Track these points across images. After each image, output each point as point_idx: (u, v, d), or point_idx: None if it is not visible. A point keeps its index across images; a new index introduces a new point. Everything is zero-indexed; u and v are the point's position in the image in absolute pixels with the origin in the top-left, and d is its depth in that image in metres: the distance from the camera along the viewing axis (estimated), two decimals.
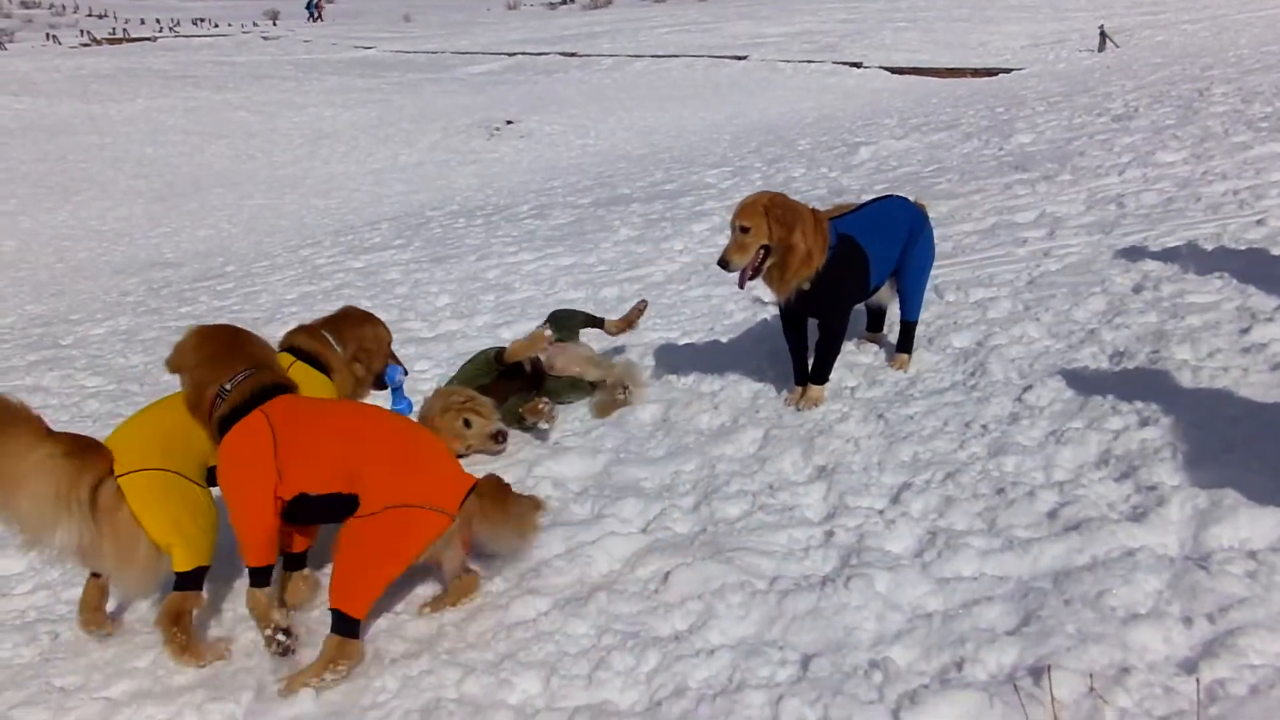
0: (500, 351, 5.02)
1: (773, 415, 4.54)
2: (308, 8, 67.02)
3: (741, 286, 4.48)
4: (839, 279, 4.42)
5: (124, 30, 58.99)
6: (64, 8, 79.57)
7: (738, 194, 10.26)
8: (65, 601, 3.90)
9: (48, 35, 54.93)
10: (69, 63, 37.99)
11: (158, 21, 63.03)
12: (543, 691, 2.94)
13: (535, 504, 3.31)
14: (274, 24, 63.18)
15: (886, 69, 26.12)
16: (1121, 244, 6.01)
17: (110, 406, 6.39)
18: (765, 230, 4.24)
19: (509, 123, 23.20)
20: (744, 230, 4.28)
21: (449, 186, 17.27)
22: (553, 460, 4.44)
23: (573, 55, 35.48)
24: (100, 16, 71.46)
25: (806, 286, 4.35)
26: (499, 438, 4.58)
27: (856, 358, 4.98)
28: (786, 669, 2.84)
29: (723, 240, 8.14)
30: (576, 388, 5.12)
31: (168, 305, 10.02)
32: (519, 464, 4.50)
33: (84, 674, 3.37)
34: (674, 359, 5.49)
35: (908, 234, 4.74)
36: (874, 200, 4.98)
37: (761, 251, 4.30)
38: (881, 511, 3.57)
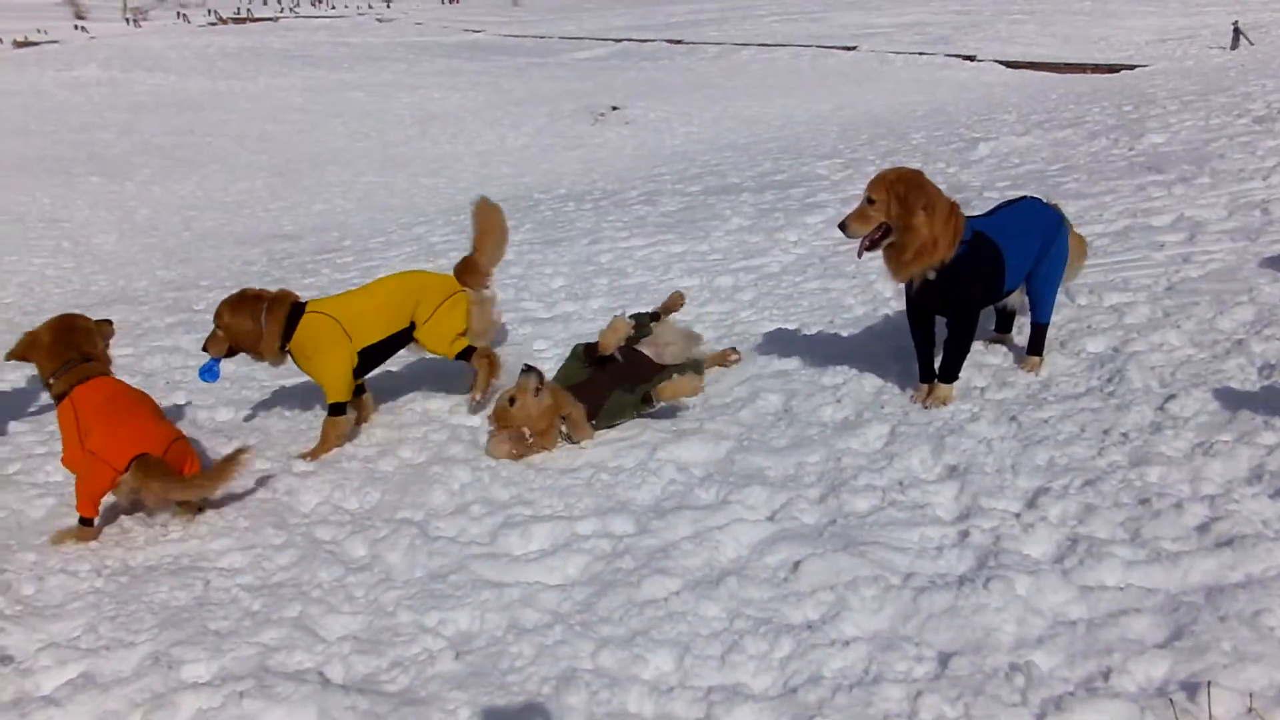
0: (589, 347, 5.11)
1: (898, 411, 4.49)
2: None
3: (860, 256, 4.45)
4: (970, 277, 4.32)
5: (248, 10, 61.34)
6: None
7: (851, 187, 10.13)
8: (215, 550, 4.13)
9: (178, 14, 57.53)
10: (198, 41, 39.69)
11: (279, 2, 65.38)
12: (676, 669, 2.99)
13: (198, 484, 4.20)
14: (388, 6, 64.73)
15: (1001, 63, 25.36)
16: (1269, 252, 5.74)
17: (244, 370, 6.67)
18: (887, 206, 4.17)
19: (614, 109, 23.31)
20: (870, 201, 4.24)
21: (554, 170, 17.46)
22: (675, 444, 4.49)
23: (678, 43, 35.42)
24: None
25: (931, 276, 4.27)
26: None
27: (985, 358, 4.89)
28: (924, 665, 2.83)
29: (837, 233, 8.07)
30: (693, 368, 5.21)
31: (291, 276, 10.40)
32: (641, 447, 4.56)
33: (236, 620, 3.57)
34: (792, 350, 5.48)
35: (1044, 236, 4.62)
36: (1012, 201, 4.88)
37: (882, 227, 4.23)
38: (1018, 515, 3.51)
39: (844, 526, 3.62)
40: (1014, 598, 3.02)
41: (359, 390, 5.21)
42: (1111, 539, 3.28)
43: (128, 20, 53.92)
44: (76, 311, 4.83)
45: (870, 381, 4.86)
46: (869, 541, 3.44)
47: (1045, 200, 4.88)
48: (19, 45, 41.55)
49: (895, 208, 4.14)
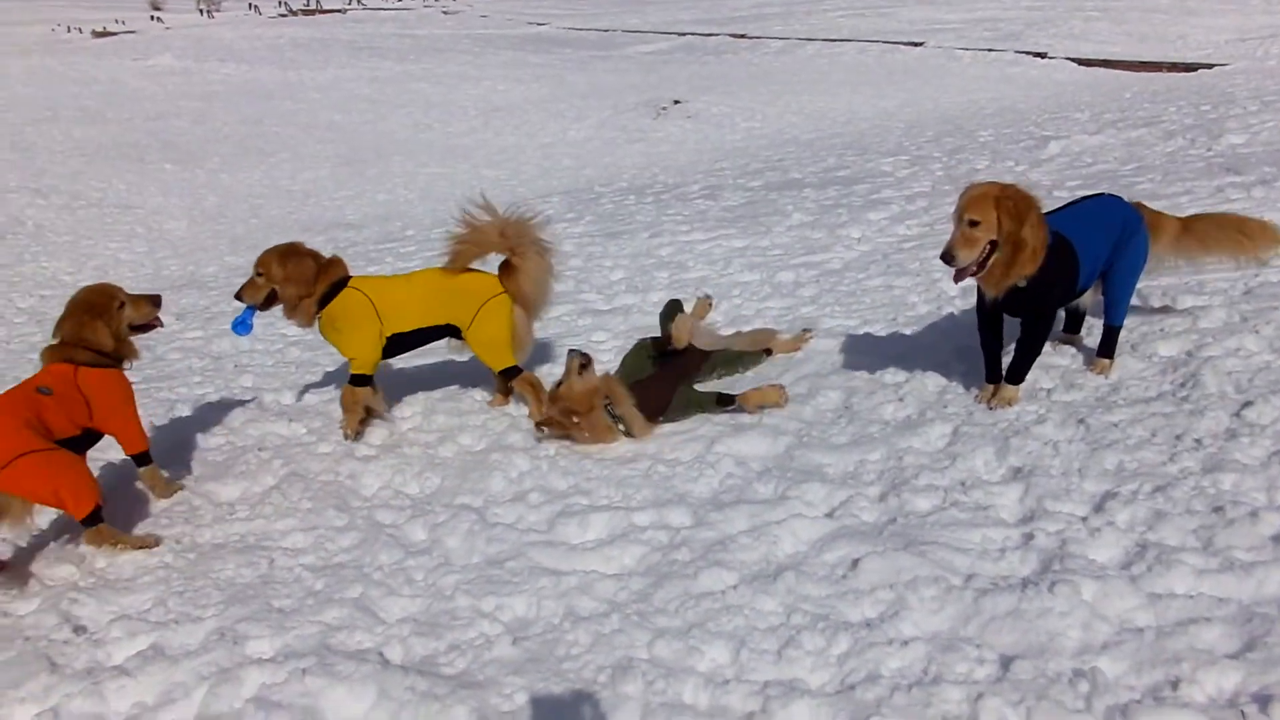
0: (657, 340, 5.09)
1: (962, 411, 4.42)
2: None
3: (957, 281, 4.24)
4: (1050, 279, 4.18)
5: (318, 2, 62.47)
6: None
7: (916, 184, 9.99)
8: (279, 530, 4.23)
9: (250, 5, 58.83)
10: (269, 32, 40.52)
11: None
12: (732, 662, 2.98)
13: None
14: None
15: (1073, 60, 24.74)
16: None
17: (309, 355, 6.83)
18: (995, 224, 4.01)
19: (676, 102, 23.26)
20: (973, 224, 4.04)
21: (616, 164, 17.50)
22: (733, 438, 4.48)
23: (742, 37, 35.22)
24: None
25: (1023, 284, 4.14)
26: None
27: (1053, 359, 4.78)
28: (985, 668, 2.78)
29: (903, 230, 8.02)
30: (741, 359, 5.34)
31: (355, 264, 10.46)
32: (699, 440, 4.56)
33: (299, 599, 3.65)
34: (854, 347, 5.42)
35: (1120, 235, 4.49)
36: (1086, 198, 4.74)
37: (988, 246, 4.07)
38: (1084, 519, 3.43)
39: (904, 525, 3.57)
40: (1079, 602, 2.95)
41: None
42: (1182, 546, 3.19)
43: (201, 11, 55.33)
44: (102, 285, 4.65)
45: (933, 380, 4.78)
46: (930, 541, 3.39)
47: (1124, 199, 4.73)
48: (98, 35, 42.89)
49: (1008, 223, 3.99)
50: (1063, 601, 2.95)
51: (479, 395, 5.54)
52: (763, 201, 10.33)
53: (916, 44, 29.62)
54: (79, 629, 3.61)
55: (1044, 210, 4.17)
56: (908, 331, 5.62)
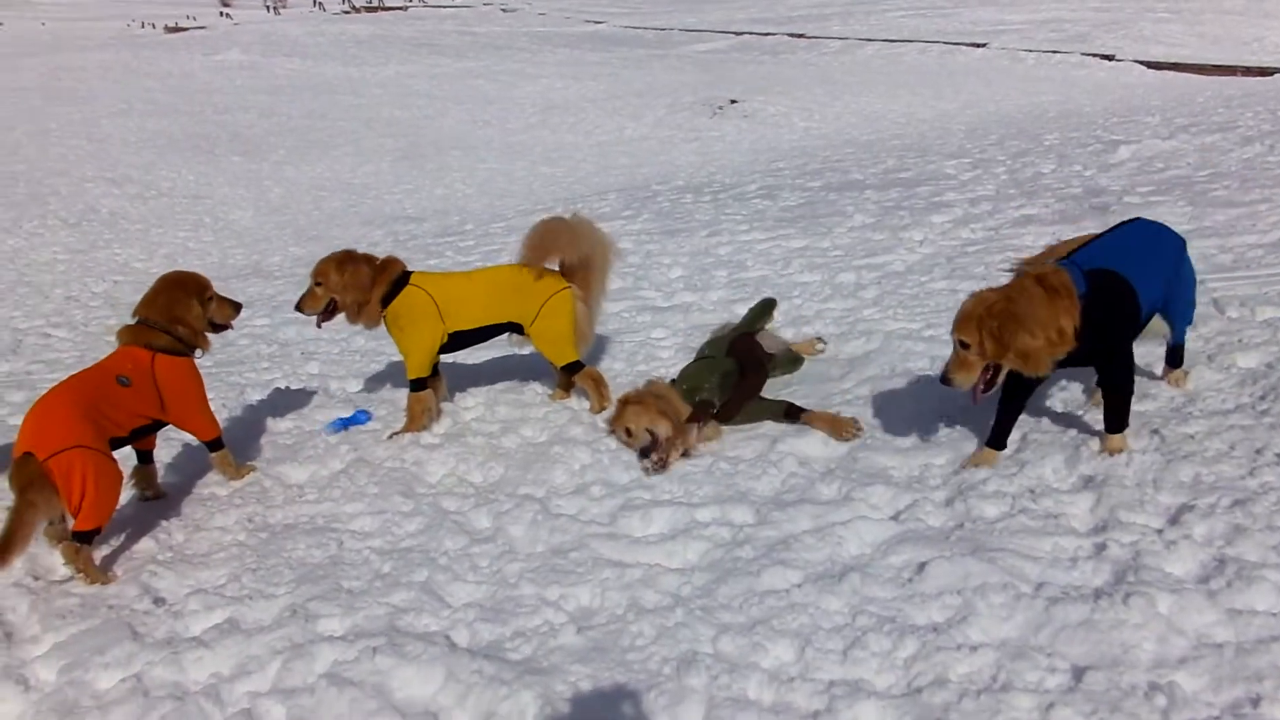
0: (740, 339, 5.15)
1: (1029, 418, 4.35)
2: None
3: (975, 402, 3.90)
4: (1107, 321, 3.77)
5: (379, 0, 63.37)
6: None
7: (980, 187, 9.86)
8: (347, 513, 4.32)
9: (315, 2, 59.92)
10: (332, 28, 41.23)
11: None
12: (796, 660, 2.98)
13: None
14: None
15: (1142, 63, 24.23)
16: None
17: (374, 344, 6.94)
18: (982, 347, 3.68)
19: (733, 102, 23.21)
20: (964, 345, 3.75)
21: (671, 162, 17.51)
22: (796, 438, 4.47)
23: (800, 36, 35.03)
24: None
25: (1062, 355, 3.72)
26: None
27: None
28: (1056, 677, 2.75)
29: (967, 233, 7.93)
30: (794, 361, 5.40)
31: (415, 256, 10.73)
32: (760, 438, 4.56)
33: (367, 581, 3.73)
34: (918, 351, 5.38)
35: (1170, 258, 4.13)
36: (1122, 225, 4.26)
37: (991, 367, 3.75)
38: (1160, 531, 3.36)
39: (972, 531, 3.54)
40: (1155, 615, 2.90)
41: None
42: (1263, 563, 3.11)
43: (268, 7, 56.54)
44: (196, 273, 4.74)
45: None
46: (998, 548, 3.35)
47: (1162, 224, 4.31)
48: (170, 31, 44.02)
49: (991, 347, 3.66)
50: (1137, 614, 2.90)
51: (540, 388, 5.59)
52: (822, 202, 10.28)
53: (979, 45, 29.22)
54: (158, 601, 3.72)
55: (1043, 284, 3.68)
56: None
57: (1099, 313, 3.72)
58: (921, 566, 3.32)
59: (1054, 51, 26.72)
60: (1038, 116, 16.80)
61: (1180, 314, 4.29)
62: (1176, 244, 4.23)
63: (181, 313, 4.44)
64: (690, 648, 3.07)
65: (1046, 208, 8.30)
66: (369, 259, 5.18)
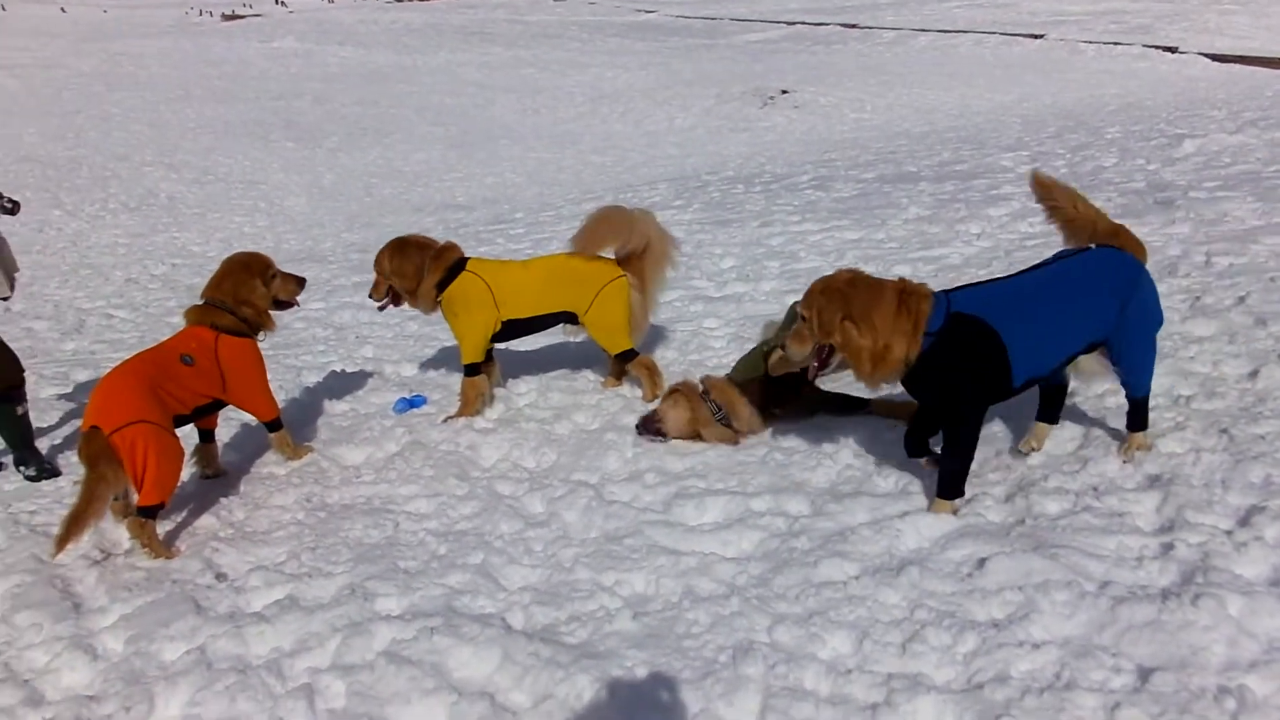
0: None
1: (1093, 415, 4.27)
2: None
3: (809, 378, 3.73)
4: (948, 372, 3.48)
5: None
6: None
7: None
8: (403, 494, 4.37)
9: None
10: (385, 16, 41.61)
11: None
12: (854, 652, 2.96)
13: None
14: None
15: (1207, 56, 23.57)
16: None
17: (427, 330, 7.01)
18: (814, 325, 3.53)
19: (783, 92, 23.04)
20: (803, 319, 3.59)
21: (720, 153, 17.43)
22: (851, 430, 4.42)
23: (853, 27, 34.63)
24: None
25: (895, 380, 3.56)
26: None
27: (1192, 366, 4.57)
28: (1122, 677, 2.69)
29: (1025, 227, 7.79)
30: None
31: (466, 244, 10.65)
32: (815, 429, 4.52)
33: (424, 561, 3.77)
34: None
35: (1111, 299, 3.60)
36: (1059, 257, 3.82)
37: (825, 346, 3.58)
38: (1229, 532, 3.28)
39: (1033, 528, 3.48)
40: (1225, 617, 2.83)
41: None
42: None
43: None
44: (259, 253, 4.85)
45: None
46: (1061, 545, 3.29)
47: (1118, 251, 3.77)
48: (227, 19, 44.78)
49: (817, 328, 3.52)
50: (1206, 615, 2.83)
51: (592, 376, 5.61)
52: (876, 194, 10.16)
53: (1036, 36, 28.65)
54: (220, 576, 3.80)
55: (898, 295, 3.47)
56: None
57: (942, 359, 3.48)
58: (981, 562, 3.27)
59: (1114, 43, 26.11)
60: (1097, 109, 16.44)
61: (1130, 364, 3.71)
62: (1123, 279, 3.64)
63: (246, 293, 4.53)
64: (746, 636, 3.06)
65: (1109, 202, 8.10)
66: (424, 245, 5.23)
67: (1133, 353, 3.70)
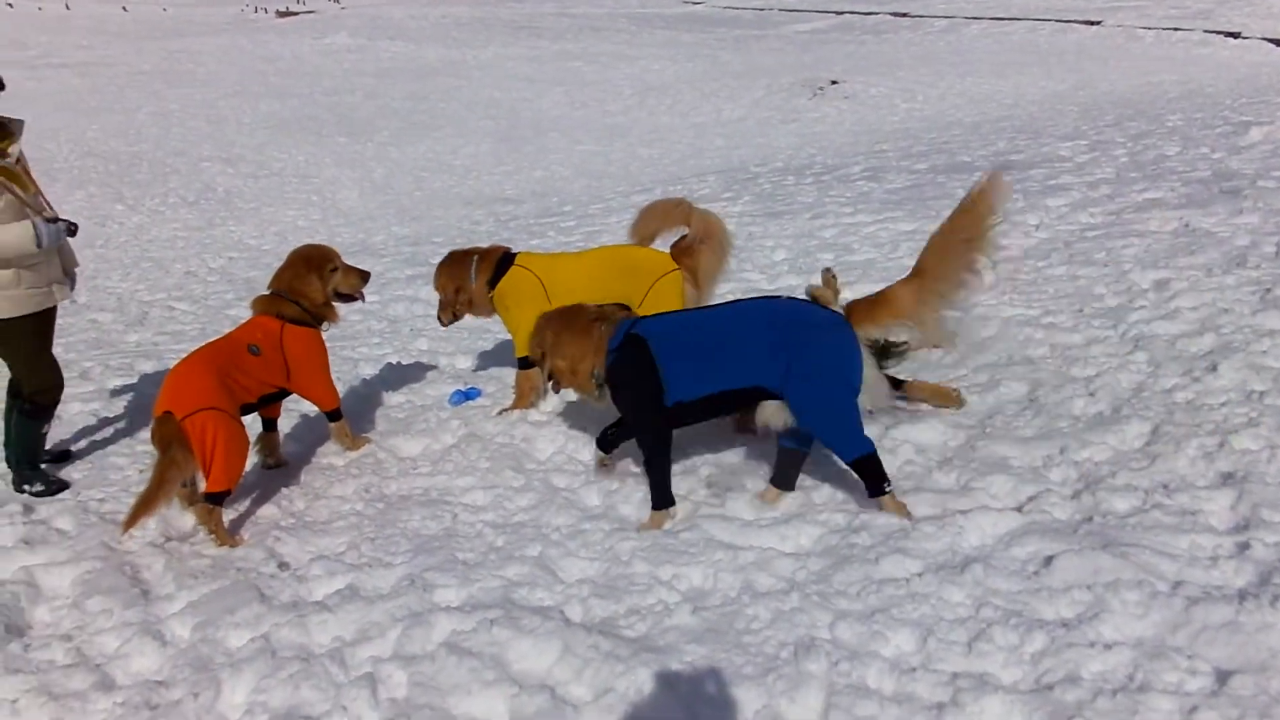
0: None
1: (1161, 410, 4.16)
2: None
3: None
4: (618, 389, 3.91)
5: None
6: None
7: (1098, 170, 9.45)
8: (460, 486, 4.40)
9: None
10: (435, 11, 41.93)
11: None
12: (918, 650, 2.92)
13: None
14: None
15: (1272, 40, 22.88)
16: None
17: (480, 323, 7.02)
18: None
19: (833, 83, 22.79)
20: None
21: (769, 144, 17.30)
22: (910, 425, 4.36)
23: (904, 15, 34.17)
24: None
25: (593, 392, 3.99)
26: None
27: (1266, 361, 4.43)
28: (1198, 680, 2.62)
29: (1085, 218, 7.61)
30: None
31: (518, 237, 10.86)
32: (874, 424, 4.42)
33: (481, 553, 3.79)
34: (1037, 338, 5.19)
35: (771, 351, 3.61)
36: (748, 302, 4.00)
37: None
38: None
39: (1101, 525, 3.40)
40: None
41: None
42: None
43: None
44: (322, 246, 4.91)
45: (1127, 377, 4.52)
46: (1131, 544, 3.21)
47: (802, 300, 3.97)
48: (282, 15, 45.48)
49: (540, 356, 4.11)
50: None
51: None
52: (930, 185, 10.00)
53: (1093, 23, 28.06)
54: (283, 565, 3.87)
55: (581, 327, 3.97)
56: (1095, 324, 5.32)
57: (615, 377, 3.90)
58: (1048, 560, 3.20)
59: (1174, 29, 25.47)
60: (1157, 97, 16.03)
61: (809, 422, 3.62)
62: (790, 339, 3.61)
63: (302, 286, 4.60)
64: (808, 633, 3.03)
65: (1172, 191, 7.89)
66: (468, 252, 5.28)
67: (808, 412, 3.61)
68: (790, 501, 3.89)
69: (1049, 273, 6.33)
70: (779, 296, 3.99)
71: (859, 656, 2.90)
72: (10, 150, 4.44)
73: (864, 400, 3.60)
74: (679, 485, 4.15)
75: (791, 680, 2.82)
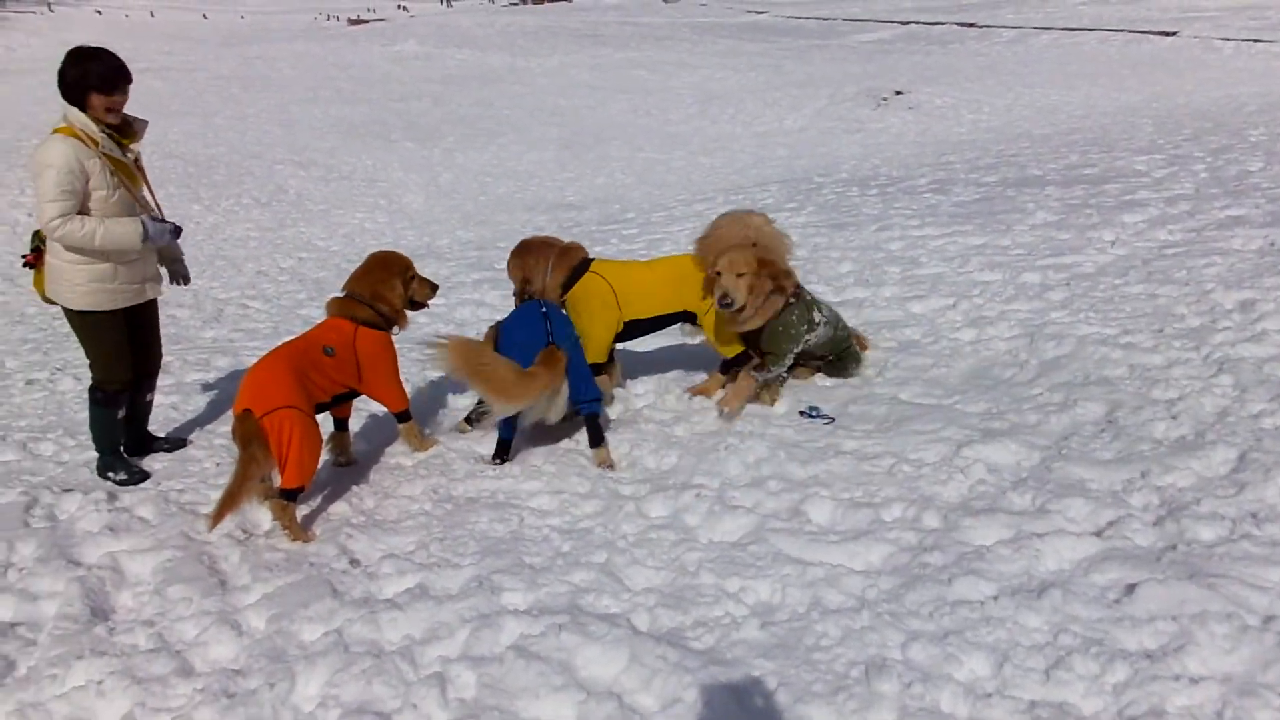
0: None
1: (1249, 437, 4.03)
2: None
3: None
4: None
5: None
6: None
7: (1177, 185, 9.21)
8: (526, 490, 4.43)
9: None
10: (501, 19, 42.46)
11: None
12: (993, 675, 2.86)
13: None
14: None
15: None
16: None
17: None
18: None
19: (897, 93, 22.55)
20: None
21: (832, 154, 17.16)
22: (983, 444, 4.28)
23: (970, 26, 33.67)
24: None
25: None
26: None
27: None
28: None
29: (1163, 235, 7.41)
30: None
31: (581, 243, 10.92)
32: (944, 442, 4.39)
33: (548, 558, 3.81)
34: (1114, 358, 5.06)
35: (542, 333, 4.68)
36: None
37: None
38: None
39: (1186, 554, 3.30)
40: None
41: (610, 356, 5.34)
42: None
43: (442, 0, 58.73)
44: (400, 254, 4.98)
45: (1211, 401, 4.39)
46: (1218, 574, 3.11)
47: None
48: (353, 23, 46.43)
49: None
50: None
51: (707, 378, 5.58)
52: (999, 198, 9.83)
53: (1168, 34, 27.33)
54: (354, 562, 3.93)
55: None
56: (1176, 344, 5.18)
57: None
58: (1130, 588, 3.12)
59: (1254, 40, 24.69)
60: (1237, 110, 15.56)
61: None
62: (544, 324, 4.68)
63: (385, 290, 4.68)
64: (879, 652, 2.99)
65: (1257, 208, 7.66)
66: (549, 244, 5.31)
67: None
68: (859, 518, 3.84)
69: (1126, 290, 6.17)
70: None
71: (932, 679, 2.85)
72: (132, 148, 4.61)
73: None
74: (745, 497, 4.14)
75: (862, 700, 2.79)
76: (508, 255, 5.38)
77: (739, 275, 4.83)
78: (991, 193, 10.21)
